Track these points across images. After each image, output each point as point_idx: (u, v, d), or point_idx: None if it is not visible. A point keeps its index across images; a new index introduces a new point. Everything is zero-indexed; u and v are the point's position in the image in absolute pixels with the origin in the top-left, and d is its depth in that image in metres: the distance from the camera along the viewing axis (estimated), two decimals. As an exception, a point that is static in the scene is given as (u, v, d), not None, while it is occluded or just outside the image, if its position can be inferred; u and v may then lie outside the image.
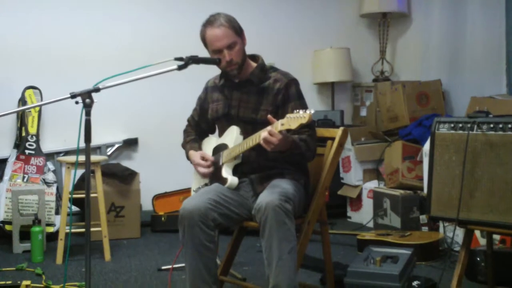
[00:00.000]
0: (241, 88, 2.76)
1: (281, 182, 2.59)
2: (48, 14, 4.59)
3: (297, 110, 2.36)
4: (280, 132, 2.40)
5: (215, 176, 2.77)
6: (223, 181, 2.69)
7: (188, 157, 2.92)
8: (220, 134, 2.87)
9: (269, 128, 2.44)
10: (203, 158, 2.81)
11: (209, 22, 2.69)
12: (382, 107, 5.00)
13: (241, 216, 2.67)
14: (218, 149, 2.81)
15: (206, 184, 2.82)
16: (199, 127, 2.99)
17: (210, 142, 2.92)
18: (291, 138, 2.50)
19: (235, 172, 2.72)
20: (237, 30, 2.69)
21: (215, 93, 2.86)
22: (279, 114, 2.65)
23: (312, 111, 2.33)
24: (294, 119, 2.34)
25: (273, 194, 2.46)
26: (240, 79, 2.75)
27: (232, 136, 2.73)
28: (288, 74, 2.76)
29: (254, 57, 2.82)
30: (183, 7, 4.96)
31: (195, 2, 4.87)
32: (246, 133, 2.70)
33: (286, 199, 2.45)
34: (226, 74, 2.77)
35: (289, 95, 2.69)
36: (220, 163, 2.74)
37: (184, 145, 2.98)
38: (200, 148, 2.92)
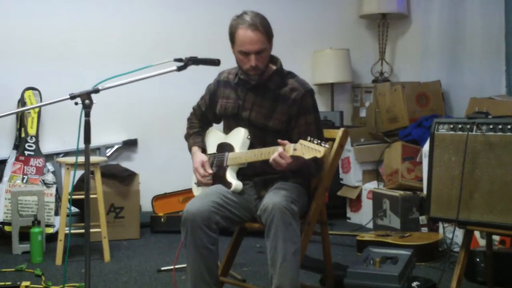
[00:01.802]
0: (257, 91, 2.71)
1: (285, 185, 2.59)
2: (47, 15, 4.59)
3: (311, 139, 2.36)
4: (291, 156, 2.41)
5: (218, 176, 2.75)
6: (227, 185, 2.68)
7: (190, 150, 2.89)
8: (226, 131, 2.82)
9: (280, 150, 2.44)
10: (203, 166, 2.77)
11: (244, 20, 2.59)
12: (382, 108, 5.00)
13: (242, 218, 2.67)
14: (223, 148, 2.78)
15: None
16: (204, 117, 2.93)
17: (216, 137, 2.87)
18: (303, 159, 2.45)
19: (238, 174, 2.72)
20: (269, 36, 2.62)
21: (227, 89, 2.80)
22: (292, 124, 2.65)
23: (327, 146, 2.34)
24: (308, 150, 2.35)
25: (279, 195, 2.47)
26: (257, 81, 2.69)
27: (239, 138, 2.70)
28: (305, 83, 2.71)
29: (272, 59, 2.74)
30: (183, 5, 4.97)
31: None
32: (254, 138, 2.69)
33: (292, 200, 2.47)
34: (244, 73, 2.69)
35: (304, 108, 2.65)
36: (225, 165, 2.73)
37: (187, 138, 2.93)
38: (203, 142, 2.88)
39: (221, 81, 2.83)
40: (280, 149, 2.44)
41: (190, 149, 2.89)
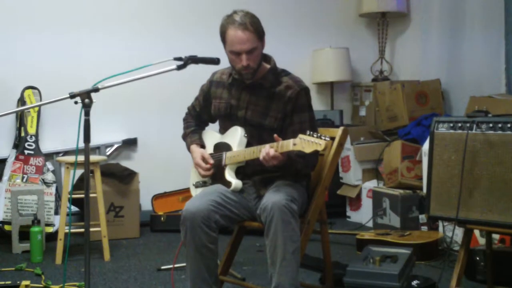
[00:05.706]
0: (251, 90, 2.71)
1: (285, 184, 2.60)
2: (47, 14, 4.58)
3: (311, 132, 2.35)
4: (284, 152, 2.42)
5: (217, 176, 2.76)
6: (227, 184, 2.68)
7: (188, 149, 2.89)
8: (222, 131, 2.83)
9: (268, 150, 2.45)
10: (204, 159, 2.78)
11: (233, 20, 2.58)
12: (381, 107, 5.00)
13: (241, 217, 2.67)
14: (220, 147, 2.78)
15: (205, 182, 2.82)
16: (200, 117, 2.94)
17: (212, 137, 2.86)
18: (287, 156, 2.48)
19: (237, 173, 2.72)
20: (260, 34, 2.61)
21: (219, 89, 2.80)
22: (287, 122, 2.65)
23: (328, 139, 2.33)
24: (309, 144, 2.34)
25: (279, 194, 2.48)
26: (252, 81, 2.69)
27: (236, 137, 2.70)
28: (300, 81, 2.70)
29: (266, 58, 2.74)
30: (183, 3, 4.98)
31: None
32: (251, 136, 2.69)
33: (292, 199, 2.48)
34: (238, 73, 2.69)
35: (299, 105, 2.64)
36: (223, 164, 2.73)
37: (184, 137, 2.94)
38: (200, 140, 2.87)
39: (214, 82, 2.84)
40: (266, 148, 2.45)
41: (188, 148, 2.89)
